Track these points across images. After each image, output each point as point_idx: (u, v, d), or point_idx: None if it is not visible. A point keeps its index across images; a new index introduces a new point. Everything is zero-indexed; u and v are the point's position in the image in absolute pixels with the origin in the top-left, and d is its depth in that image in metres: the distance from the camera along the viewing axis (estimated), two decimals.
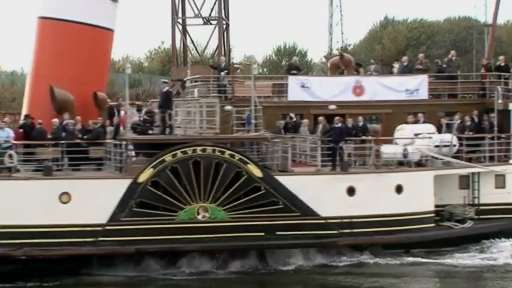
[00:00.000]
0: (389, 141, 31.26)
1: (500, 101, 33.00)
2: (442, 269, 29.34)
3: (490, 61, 36.59)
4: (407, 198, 29.24)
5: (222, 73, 33.91)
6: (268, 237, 27.60)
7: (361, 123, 32.08)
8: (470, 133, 32.77)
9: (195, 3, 38.67)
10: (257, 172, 27.58)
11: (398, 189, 29.25)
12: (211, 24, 38.79)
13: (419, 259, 29.85)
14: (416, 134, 30.77)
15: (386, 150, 30.45)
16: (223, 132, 29.54)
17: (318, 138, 29.66)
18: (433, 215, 30.17)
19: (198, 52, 45.73)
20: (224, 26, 38.72)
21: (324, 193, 28.19)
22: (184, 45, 39.68)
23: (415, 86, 34.52)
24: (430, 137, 30.26)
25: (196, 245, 27.12)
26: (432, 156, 30.13)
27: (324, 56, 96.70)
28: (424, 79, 34.65)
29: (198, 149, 27.12)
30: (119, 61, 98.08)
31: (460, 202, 32.17)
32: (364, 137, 30.95)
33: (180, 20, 38.85)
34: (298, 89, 33.84)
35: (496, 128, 33.09)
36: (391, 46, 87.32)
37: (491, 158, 32.69)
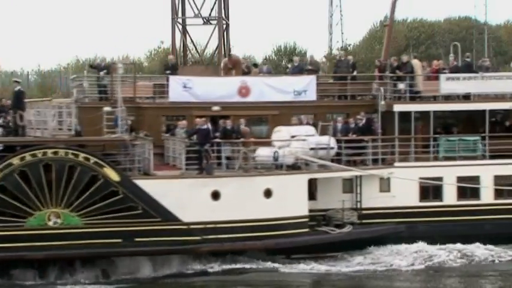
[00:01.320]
0: (269, 144, 30.37)
1: (382, 102, 32.14)
2: (320, 274, 28.62)
3: (386, 61, 35.58)
4: (277, 203, 28.26)
5: (102, 73, 32.77)
6: (125, 244, 26.51)
7: (242, 126, 31.20)
8: (354, 135, 31.95)
9: (195, 3, 38.38)
10: (114, 176, 26.45)
11: (267, 193, 28.26)
12: (211, 24, 38.47)
13: (298, 265, 28.99)
14: (293, 136, 29.85)
15: (262, 153, 29.47)
16: (95, 134, 28.44)
17: (183, 140, 28.57)
18: (306, 219, 29.21)
19: (198, 52, 45.31)
20: (224, 26, 38.35)
21: (187, 197, 27.14)
22: (184, 45, 39.29)
23: (303, 87, 33.48)
24: (305, 140, 29.27)
25: (47, 252, 25.93)
26: (306, 159, 29.16)
27: (324, 56, 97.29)
28: (312, 80, 33.63)
29: (49, 151, 25.97)
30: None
31: (345, 206, 31.40)
32: (242, 140, 30.05)
33: (180, 20, 38.52)
34: (179, 90, 32.64)
35: (380, 130, 32.29)
36: (391, 46, 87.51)
37: (376, 161, 31.94)
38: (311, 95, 33.61)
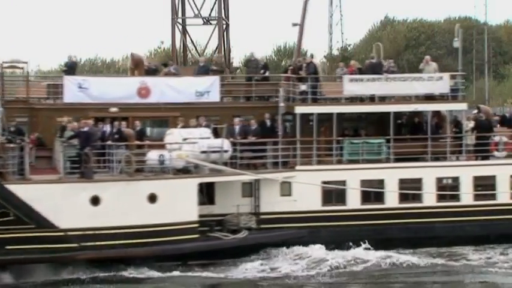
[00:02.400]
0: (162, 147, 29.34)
1: (282, 104, 31.25)
2: (212, 281, 27.70)
3: (299, 62, 34.67)
4: (162, 208, 27.27)
5: None
6: None
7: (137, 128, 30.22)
8: (253, 138, 31.04)
9: (195, 3, 38.10)
10: None
11: (152, 198, 27.27)
12: (211, 24, 38.22)
13: (190, 272, 28.03)
14: (184, 139, 28.84)
15: (152, 156, 28.45)
16: None
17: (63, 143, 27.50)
18: (196, 225, 28.23)
19: (198, 52, 45.32)
20: (224, 26, 37.96)
21: (64, 203, 26.04)
22: (184, 45, 38.97)
23: (206, 88, 32.53)
24: (196, 142, 28.27)
25: None
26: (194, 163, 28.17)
27: (324, 56, 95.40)
28: (215, 81, 32.68)
29: None
30: (119, 61, 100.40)
31: (245, 211, 30.52)
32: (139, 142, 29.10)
33: (180, 20, 38.19)
34: (74, 90, 31.51)
35: (280, 133, 31.41)
36: (390, 46, 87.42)
37: (276, 164, 31.06)
38: (214, 96, 32.69)
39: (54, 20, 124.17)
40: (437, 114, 33.58)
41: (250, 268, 28.82)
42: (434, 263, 29.95)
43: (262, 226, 30.37)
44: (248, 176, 29.65)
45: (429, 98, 33.23)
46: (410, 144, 32.19)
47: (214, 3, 37.50)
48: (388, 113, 32.23)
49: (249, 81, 33.68)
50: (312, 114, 31.76)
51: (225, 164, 29.43)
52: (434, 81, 32.63)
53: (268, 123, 31.82)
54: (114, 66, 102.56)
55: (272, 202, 30.60)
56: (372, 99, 32.96)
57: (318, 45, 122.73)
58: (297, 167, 31.16)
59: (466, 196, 32.33)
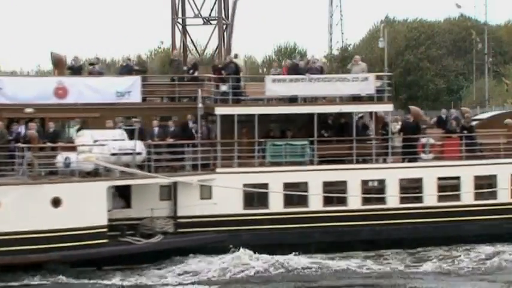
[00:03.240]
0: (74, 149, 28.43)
1: (200, 104, 30.45)
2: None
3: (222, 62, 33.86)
4: (67, 212, 26.38)
5: None
6: None
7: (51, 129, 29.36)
8: (171, 140, 30.25)
9: (195, 3, 37.63)
10: None
11: (56, 202, 26.38)
12: (211, 24, 37.77)
13: (100, 279, 27.16)
14: (95, 141, 27.97)
15: (60, 159, 27.56)
16: None
17: None
18: (105, 230, 27.38)
19: (198, 52, 44.27)
20: (224, 26, 37.37)
21: None
22: (184, 45, 38.35)
23: (127, 88, 31.66)
24: (105, 144, 27.41)
25: None
26: (104, 165, 27.33)
27: (324, 56, 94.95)
28: (136, 81, 31.81)
29: None
30: (118, 61, 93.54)
31: (163, 214, 29.72)
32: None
33: (180, 20, 37.67)
34: None
35: (199, 135, 30.61)
36: (390, 47, 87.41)
37: (195, 167, 30.26)
38: (135, 97, 31.84)
39: (54, 20, 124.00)
40: (375, 115, 33.04)
41: (168, 273, 28.09)
42: (360, 267, 29.26)
43: (180, 230, 29.59)
44: (162, 179, 28.83)
45: (357, 99, 32.62)
46: (334, 146, 31.50)
47: (214, 3, 37.23)
48: (313, 115, 31.62)
49: (172, 82, 32.88)
50: (233, 115, 30.97)
51: (141, 166, 28.69)
52: (359, 82, 31.94)
53: (191, 124, 31.03)
54: (114, 66, 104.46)
55: (191, 205, 29.80)
56: (303, 99, 32.22)
57: (318, 45, 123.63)
58: (218, 170, 30.39)
59: (393, 199, 31.74)
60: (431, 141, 32.60)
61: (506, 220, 32.42)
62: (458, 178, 32.30)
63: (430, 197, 31.97)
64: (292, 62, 33.03)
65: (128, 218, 29.16)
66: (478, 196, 32.36)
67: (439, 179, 32.15)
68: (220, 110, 30.83)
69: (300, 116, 32.19)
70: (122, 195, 29.73)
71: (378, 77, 32.68)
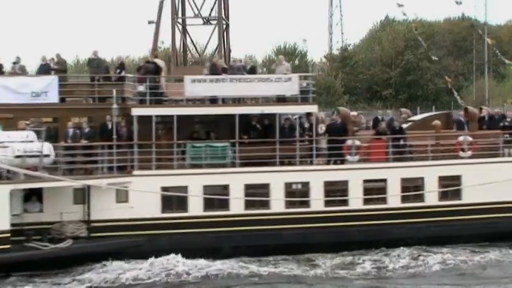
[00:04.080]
0: None
1: (115, 105, 29.67)
2: None
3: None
4: None
5: None
6: None
7: None
8: (85, 141, 29.44)
9: (195, 3, 37.37)
10: None
11: None
12: (211, 24, 37.49)
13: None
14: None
15: None
16: None
17: None
18: (7, 235, 26.42)
19: (198, 52, 44.72)
20: (224, 26, 37.03)
21: None
22: (184, 45, 38.13)
23: (43, 88, 30.86)
24: (7, 146, 26.49)
25: None
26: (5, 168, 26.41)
27: (324, 56, 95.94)
28: (53, 81, 30.99)
29: None
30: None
31: (77, 218, 28.84)
32: None
33: (180, 20, 37.33)
34: None
35: (114, 136, 29.79)
36: (390, 47, 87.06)
37: (111, 169, 29.45)
38: (52, 97, 31.01)
39: (54, 20, 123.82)
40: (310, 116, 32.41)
41: (81, 279, 27.13)
42: (283, 271, 28.52)
43: (94, 235, 28.72)
44: (70, 183, 27.95)
45: (282, 100, 31.96)
46: (257, 148, 30.79)
47: (214, 3, 36.93)
48: (241, 116, 30.90)
49: (92, 82, 32.11)
50: (150, 116, 30.20)
51: (54, 169, 27.86)
52: (282, 82, 31.29)
53: (110, 125, 30.23)
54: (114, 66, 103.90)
55: (106, 209, 28.96)
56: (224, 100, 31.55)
57: (318, 45, 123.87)
58: (134, 172, 29.59)
59: (317, 202, 31.05)
60: (357, 143, 31.94)
61: (434, 223, 31.85)
62: (384, 181, 31.69)
63: (355, 200, 31.33)
64: (213, 62, 32.29)
65: (40, 222, 28.28)
66: (405, 199, 31.78)
67: (365, 181, 31.54)
68: (137, 111, 30.08)
69: (224, 118, 31.49)
70: (40, 198, 28.92)
71: (302, 78, 32.04)
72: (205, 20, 37.73)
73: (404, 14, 41.93)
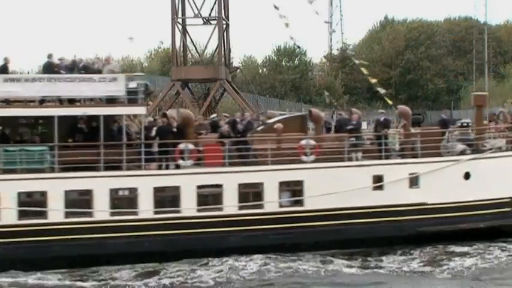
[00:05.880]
0: None
1: None
2: None
3: None
4: None
5: None
6: None
7: None
8: None
9: (195, 3, 37.43)
10: None
11: None
12: (211, 24, 37.75)
13: None
14: None
15: None
16: None
17: None
18: None
19: (198, 52, 44.44)
20: (224, 26, 37.11)
21: None
22: (184, 45, 38.56)
23: None
24: None
25: None
26: None
27: (324, 56, 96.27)
28: None
29: None
30: (119, 61, 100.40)
31: None
32: None
33: (180, 20, 37.73)
34: None
35: None
36: (390, 47, 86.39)
37: None
38: None
39: (54, 20, 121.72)
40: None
41: None
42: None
43: None
44: None
45: (111, 101, 30.06)
46: (78, 152, 28.71)
47: (214, 3, 36.80)
48: (66, 118, 28.91)
49: None
50: None
51: None
52: (106, 82, 29.45)
53: None
54: None
55: None
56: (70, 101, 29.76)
57: (318, 45, 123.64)
58: None
59: (146, 209, 29.00)
60: (190, 146, 30.11)
61: (273, 231, 29.98)
62: (220, 186, 29.84)
63: (188, 207, 29.37)
64: (48, 61, 30.20)
65: None
66: (242, 205, 29.94)
67: (199, 187, 29.65)
68: None
69: (48, 120, 29.34)
70: None
71: (130, 78, 30.26)
72: (205, 20, 38.01)
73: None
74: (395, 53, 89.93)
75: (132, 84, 29.98)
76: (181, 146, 30.01)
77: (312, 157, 31.00)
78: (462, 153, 32.49)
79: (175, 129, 30.44)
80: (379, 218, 30.78)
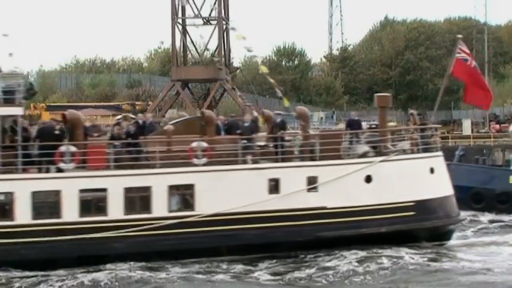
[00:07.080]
0: None
1: None
2: None
3: None
4: None
5: None
6: None
7: None
8: None
9: (195, 3, 37.92)
10: None
11: None
12: (211, 24, 38.36)
13: None
14: None
15: None
16: None
17: None
18: None
19: (198, 52, 44.74)
20: (224, 26, 37.57)
21: None
22: (184, 45, 39.09)
23: None
24: None
25: None
26: None
27: (324, 56, 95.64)
28: None
29: None
30: (119, 61, 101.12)
31: None
32: None
33: (180, 20, 38.14)
34: None
35: None
36: (390, 47, 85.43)
37: None
38: None
39: (54, 21, 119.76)
40: None
41: None
42: None
43: None
44: None
45: None
46: None
47: (214, 3, 36.90)
48: None
49: None
50: None
51: None
52: None
53: None
54: (114, 66, 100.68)
55: None
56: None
57: (318, 45, 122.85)
58: None
59: (23, 214, 27.46)
60: (73, 149, 28.51)
61: (164, 236, 28.44)
62: (104, 190, 28.27)
63: (69, 212, 27.75)
64: None
65: None
66: (128, 210, 28.39)
67: (82, 191, 28.06)
68: None
69: None
70: None
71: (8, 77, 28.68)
72: (205, 20, 38.01)
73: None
74: (395, 53, 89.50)
75: (10, 83, 28.36)
76: (63, 148, 28.41)
77: (204, 160, 29.61)
78: (364, 155, 31.26)
79: (57, 132, 28.80)
80: (275, 222, 29.41)
